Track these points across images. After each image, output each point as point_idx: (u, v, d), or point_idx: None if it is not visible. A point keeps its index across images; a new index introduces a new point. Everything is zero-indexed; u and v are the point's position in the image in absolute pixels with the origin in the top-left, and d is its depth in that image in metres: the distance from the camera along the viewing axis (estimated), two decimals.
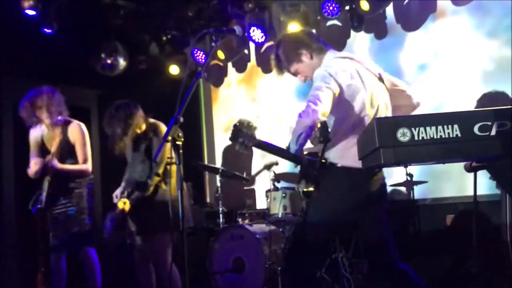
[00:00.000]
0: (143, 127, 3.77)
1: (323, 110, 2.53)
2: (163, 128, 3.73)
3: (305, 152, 2.78)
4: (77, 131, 4.07)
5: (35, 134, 4.12)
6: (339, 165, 2.69)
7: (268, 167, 5.22)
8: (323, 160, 2.64)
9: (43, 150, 4.06)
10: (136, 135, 3.75)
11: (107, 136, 3.79)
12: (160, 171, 3.61)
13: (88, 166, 4.07)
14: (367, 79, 2.73)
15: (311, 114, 2.52)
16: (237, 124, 2.74)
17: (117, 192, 3.79)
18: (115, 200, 3.76)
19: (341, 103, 2.66)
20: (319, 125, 2.43)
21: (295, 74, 2.94)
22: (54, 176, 3.91)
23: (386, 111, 2.79)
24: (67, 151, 4.02)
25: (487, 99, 4.32)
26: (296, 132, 2.58)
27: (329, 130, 2.52)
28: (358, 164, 2.31)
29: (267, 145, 2.79)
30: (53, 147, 3.94)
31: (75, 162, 4.04)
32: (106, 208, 4.35)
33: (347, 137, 2.68)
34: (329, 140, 2.44)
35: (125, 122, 3.67)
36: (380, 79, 2.84)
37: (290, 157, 2.73)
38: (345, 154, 2.67)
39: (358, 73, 2.72)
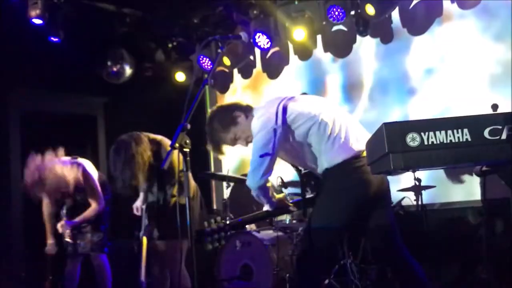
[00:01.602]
0: (148, 159, 3.53)
1: (263, 168, 2.63)
2: (167, 144, 3.61)
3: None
4: (81, 175, 4.03)
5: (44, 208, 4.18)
6: (329, 167, 2.70)
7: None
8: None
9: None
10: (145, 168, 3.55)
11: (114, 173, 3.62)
12: (174, 191, 3.57)
13: (102, 204, 4.08)
14: (309, 100, 2.81)
15: (253, 180, 2.66)
16: (197, 231, 2.79)
17: (138, 204, 3.77)
18: (135, 212, 3.75)
19: (293, 131, 2.69)
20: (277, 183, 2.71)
21: (234, 141, 2.91)
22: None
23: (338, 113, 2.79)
24: (79, 192, 4.08)
25: None
26: (256, 198, 2.75)
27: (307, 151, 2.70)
28: (343, 157, 2.60)
29: (244, 222, 2.97)
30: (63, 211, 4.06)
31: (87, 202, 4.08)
32: (116, 214, 4.37)
33: (321, 145, 2.70)
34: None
35: (129, 165, 3.44)
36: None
37: (268, 215, 2.93)
38: (329, 156, 2.69)
39: (295, 103, 2.75)
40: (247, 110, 2.87)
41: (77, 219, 4.02)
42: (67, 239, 4.00)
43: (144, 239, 3.57)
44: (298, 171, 2.92)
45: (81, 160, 4.12)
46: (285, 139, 2.69)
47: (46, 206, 4.12)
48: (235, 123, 2.84)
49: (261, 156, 2.63)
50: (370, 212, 2.72)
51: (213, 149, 2.95)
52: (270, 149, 2.63)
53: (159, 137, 3.66)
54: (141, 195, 3.73)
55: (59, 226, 4.02)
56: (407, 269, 2.68)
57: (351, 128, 2.74)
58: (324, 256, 2.84)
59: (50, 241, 4.08)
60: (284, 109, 2.69)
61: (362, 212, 2.71)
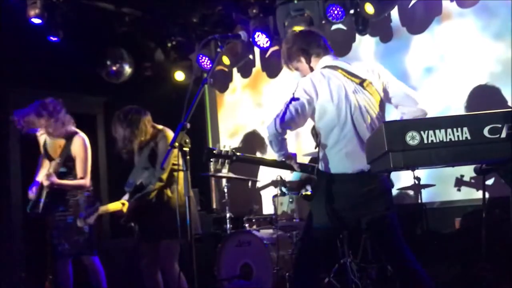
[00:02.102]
0: (150, 133, 3.76)
1: (286, 119, 2.70)
2: (170, 134, 3.71)
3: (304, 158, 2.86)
4: (79, 145, 4.07)
5: (40, 139, 4.19)
6: (331, 172, 2.74)
7: (275, 184, 5.18)
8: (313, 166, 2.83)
9: (46, 155, 4.10)
10: (143, 141, 3.74)
11: (114, 139, 3.79)
12: (164, 176, 3.59)
13: (86, 181, 4.07)
14: (341, 88, 2.79)
15: (271, 124, 2.72)
16: (209, 146, 2.91)
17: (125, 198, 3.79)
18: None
19: (323, 112, 2.76)
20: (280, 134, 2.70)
21: (296, 70, 3.10)
22: (51, 186, 3.94)
23: (363, 118, 2.77)
24: (68, 163, 4.05)
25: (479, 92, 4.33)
26: (269, 143, 2.82)
27: (319, 137, 2.78)
28: (337, 171, 2.67)
29: (246, 158, 3.05)
30: (52, 164, 4.00)
31: (74, 175, 4.05)
32: (111, 213, 4.35)
33: (324, 147, 2.77)
34: (317, 146, 2.74)
35: (133, 127, 3.68)
36: (362, 85, 2.83)
37: (272, 164, 2.95)
38: (325, 163, 2.76)
39: (332, 82, 2.79)
40: (313, 55, 2.98)
41: (62, 181, 3.96)
42: (45, 181, 3.90)
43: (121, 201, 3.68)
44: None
45: (82, 134, 4.16)
46: (311, 113, 2.80)
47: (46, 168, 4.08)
48: (298, 60, 3.01)
49: (290, 105, 2.74)
50: (367, 213, 2.74)
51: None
52: (298, 105, 2.74)
53: (160, 126, 3.84)
54: (127, 192, 3.77)
55: (43, 176, 3.94)
56: (409, 269, 2.69)
57: (362, 140, 2.71)
58: (322, 255, 2.85)
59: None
60: (317, 92, 2.78)
61: (358, 213, 2.73)
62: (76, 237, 3.97)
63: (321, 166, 2.79)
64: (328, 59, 2.96)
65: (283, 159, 2.85)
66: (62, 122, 4.06)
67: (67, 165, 4.05)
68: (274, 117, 2.74)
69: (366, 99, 2.80)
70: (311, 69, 2.96)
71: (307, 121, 2.84)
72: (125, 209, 3.62)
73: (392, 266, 2.85)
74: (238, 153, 2.97)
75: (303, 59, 2.99)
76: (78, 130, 4.18)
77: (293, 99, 2.77)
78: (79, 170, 4.04)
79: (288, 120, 2.70)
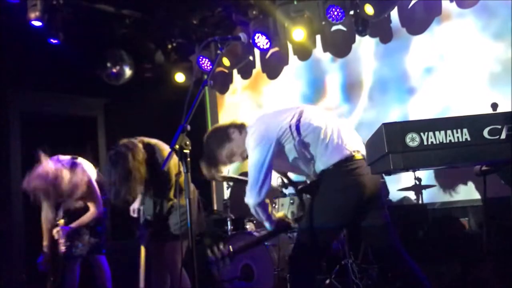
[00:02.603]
0: (143, 157, 3.48)
1: (260, 185, 2.69)
2: (164, 148, 3.56)
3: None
4: (83, 180, 3.90)
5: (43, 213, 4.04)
6: (324, 169, 2.73)
7: (274, 190, 5.17)
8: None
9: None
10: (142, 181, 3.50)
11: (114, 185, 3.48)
12: (171, 195, 3.56)
13: (100, 207, 3.99)
14: (282, 114, 2.80)
15: (252, 198, 2.72)
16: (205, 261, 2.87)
17: (135, 206, 3.76)
18: (132, 214, 3.75)
19: (293, 144, 2.74)
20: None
21: (230, 158, 2.96)
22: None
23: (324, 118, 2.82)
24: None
25: None
26: (255, 215, 2.81)
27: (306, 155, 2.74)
28: (337, 158, 2.64)
29: (243, 249, 2.96)
30: (59, 214, 3.95)
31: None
32: (114, 214, 4.36)
33: (316, 149, 2.74)
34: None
35: (126, 180, 3.35)
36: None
37: (269, 235, 2.98)
38: (324, 158, 2.73)
39: (274, 117, 2.81)
40: (241, 127, 2.94)
41: (74, 224, 3.92)
42: (62, 248, 3.87)
43: (142, 249, 3.56)
44: (290, 183, 2.98)
45: (80, 160, 4.07)
46: (280, 152, 2.75)
47: (46, 210, 3.97)
48: (229, 139, 2.91)
49: (258, 171, 2.69)
50: (364, 213, 2.75)
51: (210, 169, 2.99)
52: (266, 164, 2.69)
53: (154, 140, 3.62)
54: (139, 197, 3.72)
55: (54, 232, 3.90)
56: (405, 269, 2.70)
57: (343, 131, 2.79)
58: (318, 256, 2.85)
59: (45, 243, 3.96)
60: (278, 126, 2.74)
61: (356, 213, 2.73)
62: (88, 238, 3.99)
63: (318, 168, 2.76)
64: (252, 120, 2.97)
65: (274, 226, 2.86)
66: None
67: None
68: (249, 189, 2.72)
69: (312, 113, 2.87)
70: (243, 143, 2.87)
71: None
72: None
73: (387, 265, 2.85)
74: (232, 250, 2.84)
75: (234, 136, 2.91)
76: (73, 160, 3.97)
77: (254, 159, 2.71)
78: (90, 204, 3.98)
79: (262, 187, 2.70)
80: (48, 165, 3.79)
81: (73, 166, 3.92)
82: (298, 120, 2.76)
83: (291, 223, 2.95)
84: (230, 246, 2.83)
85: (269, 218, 2.83)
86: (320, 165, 2.75)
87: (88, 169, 4.03)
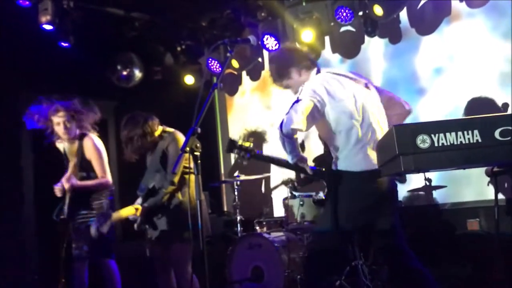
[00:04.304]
0: (156, 134, 3.80)
1: (297, 119, 2.71)
2: (181, 137, 3.74)
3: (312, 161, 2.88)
4: (90, 146, 4.09)
5: (59, 147, 4.21)
6: (345, 170, 2.77)
7: (285, 183, 5.19)
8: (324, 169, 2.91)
9: (67, 161, 4.13)
10: (152, 142, 3.77)
11: (123, 145, 3.82)
12: (176, 180, 3.62)
13: (107, 179, 4.10)
14: (351, 89, 2.85)
15: (285, 124, 2.73)
16: (232, 138, 3.04)
17: (136, 225, 3.81)
18: (137, 229, 3.79)
19: (340, 112, 2.79)
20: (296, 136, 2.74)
21: (286, 87, 3.11)
22: (73, 190, 3.96)
23: (376, 116, 2.87)
24: (85, 166, 4.07)
25: (475, 104, 4.34)
26: (281, 144, 2.82)
27: (334, 139, 2.82)
28: (362, 168, 2.68)
29: (263, 156, 3.10)
30: (70, 165, 4.01)
31: (95, 175, 4.08)
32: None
33: (346, 146, 2.79)
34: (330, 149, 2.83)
35: (141, 128, 3.73)
36: (367, 87, 2.96)
37: (286, 165, 2.95)
38: (349, 162, 2.77)
39: (341, 84, 2.85)
40: (303, 68, 3.02)
41: (83, 182, 3.98)
42: (57, 190, 3.93)
43: (135, 206, 3.68)
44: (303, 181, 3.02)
45: (92, 134, 4.18)
46: (323, 116, 2.81)
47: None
48: (288, 77, 3.03)
49: (296, 109, 2.75)
50: (377, 216, 2.75)
51: (279, 77, 3.11)
52: (306, 110, 2.75)
53: (172, 129, 3.87)
54: (138, 219, 3.75)
55: (64, 179, 3.95)
56: (413, 272, 2.70)
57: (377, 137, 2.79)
58: (333, 257, 2.86)
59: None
60: (329, 93, 2.80)
61: (371, 216, 2.73)
62: (96, 241, 4.00)
63: (340, 166, 2.79)
64: (324, 69, 3.03)
65: (296, 161, 2.86)
66: (79, 120, 4.08)
67: (84, 168, 4.06)
68: (285, 118, 2.76)
69: (372, 99, 2.91)
70: (302, 83, 2.98)
71: (314, 125, 2.85)
72: (138, 213, 3.64)
73: (395, 267, 2.85)
74: (256, 150, 3.01)
75: (294, 75, 3.02)
76: (87, 132, 4.19)
77: (301, 101, 2.78)
78: (98, 170, 4.06)
79: (297, 121, 2.71)
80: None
81: (83, 135, 4.13)
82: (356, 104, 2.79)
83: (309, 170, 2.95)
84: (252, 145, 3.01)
85: (293, 151, 2.83)
86: (342, 164, 2.79)
87: (98, 142, 4.18)
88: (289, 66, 3.02)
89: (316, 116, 2.79)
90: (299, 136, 2.88)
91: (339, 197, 2.76)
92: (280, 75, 3.06)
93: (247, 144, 2.99)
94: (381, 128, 2.84)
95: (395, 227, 2.79)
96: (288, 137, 2.75)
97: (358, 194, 2.73)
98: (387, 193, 2.78)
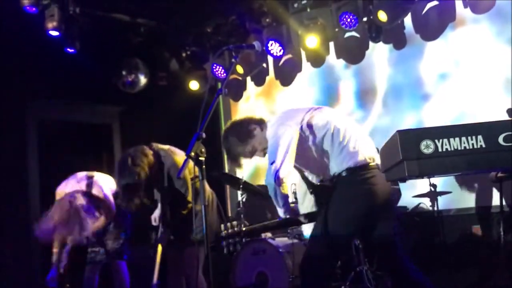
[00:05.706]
0: (151, 158, 3.62)
1: (283, 165, 2.65)
2: (176, 152, 3.67)
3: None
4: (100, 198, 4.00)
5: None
6: (342, 169, 2.73)
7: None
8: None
9: None
10: (150, 176, 3.60)
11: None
12: (189, 198, 3.60)
13: (109, 218, 4.04)
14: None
15: (273, 175, 2.66)
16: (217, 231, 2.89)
17: (155, 214, 3.81)
18: (154, 223, 3.79)
19: (311, 140, 2.77)
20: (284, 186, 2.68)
21: (252, 153, 2.99)
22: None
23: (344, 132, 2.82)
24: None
25: None
26: (272, 196, 2.76)
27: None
28: (358, 160, 2.64)
29: (256, 231, 2.99)
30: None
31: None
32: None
33: (345, 146, 2.75)
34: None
35: (133, 171, 3.51)
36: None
37: (277, 227, 3.00)
38: (344, 160, 2.73)
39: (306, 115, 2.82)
40: (261, 122, 2.99)
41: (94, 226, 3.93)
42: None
43: (159, 247, 3.61)
44: (307, 182, 2.96)
45: (96, 178, 4.09)
46: (299, 144, 2.75)
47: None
48: (251, 135, 2.95)
49: (283, 158, 2.69)
50: (375, 222, 2.74)
51: (232, 163, 3.07)
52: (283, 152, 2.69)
53: (165, 146, 3.73)
54: (159, 206, 3.77)
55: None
56: (409, 279, 2.70)
57: (360, 139, 2.79)
58: (328, 263, 2.85)
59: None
60: (296, 123, 2.77)
61: (368, 222, 2.73)
62: (111, 243, 4.03)
63: (336, 168, 2.76)
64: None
65: (288, 216, 2.83)
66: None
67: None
68: (273, 170, 2.68)
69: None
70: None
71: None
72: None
73: (394, 275, 2.84)
74: (244, 228, 2.85)
75: (256, 132, 2.96)
76: (90, 180, 4.07)
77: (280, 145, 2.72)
78: (103, 212, 4.03)
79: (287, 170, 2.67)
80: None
81: (89, 184, 4.01)
82: (311, 120, 2.78)
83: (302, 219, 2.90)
84: (242, 225, 2.84)
85: (285, 205, 2.79)
86: (334, 166, 2.76)
87: (104, 184, 4.07)
88: (248, 125, 2.97)
89: (300, 144, 2.75)
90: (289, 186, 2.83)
91: (337, 203, 2.73)
92: (242, 138, 2.96)
93: (232, 228, 2.81)
94: (358, 133, 2.83)
95: (394, 234, 2.78)
96: (277, 189, 2.71)
97: (353, 199, 2.70)
98: (386, 195, 2.75)
